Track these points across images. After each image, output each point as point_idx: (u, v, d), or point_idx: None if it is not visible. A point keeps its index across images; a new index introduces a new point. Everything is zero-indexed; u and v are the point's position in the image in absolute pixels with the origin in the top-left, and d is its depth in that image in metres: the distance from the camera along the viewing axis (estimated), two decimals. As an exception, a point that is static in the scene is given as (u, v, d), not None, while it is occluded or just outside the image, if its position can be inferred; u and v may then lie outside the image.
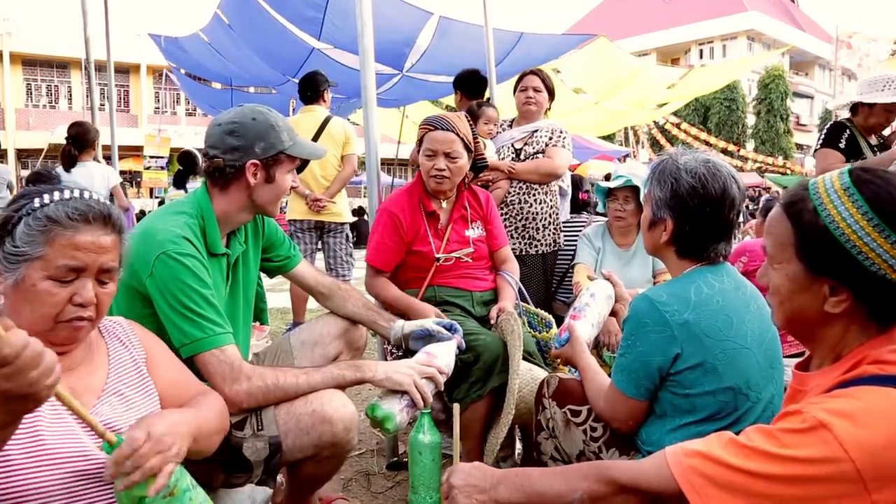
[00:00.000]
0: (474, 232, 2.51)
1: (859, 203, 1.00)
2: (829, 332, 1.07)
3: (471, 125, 2.46)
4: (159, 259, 1.60)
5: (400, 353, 2.19)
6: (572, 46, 7.46)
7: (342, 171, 4.59)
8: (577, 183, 4.15)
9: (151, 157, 22.33)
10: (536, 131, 3.36)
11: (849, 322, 1.05)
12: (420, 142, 2.43)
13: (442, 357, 1.90)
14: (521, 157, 3.34)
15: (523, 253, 3.28)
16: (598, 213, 3.63)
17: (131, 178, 22.75)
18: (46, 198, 1.21)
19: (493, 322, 2.33)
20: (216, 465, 1.57)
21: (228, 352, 1.61)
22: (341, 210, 4.73)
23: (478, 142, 2.49)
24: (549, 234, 3.37)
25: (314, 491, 1.93)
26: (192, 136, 20.69)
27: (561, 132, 3.36)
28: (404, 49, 6.14)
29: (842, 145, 3.27)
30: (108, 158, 6.23)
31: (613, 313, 2.20)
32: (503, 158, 3.34)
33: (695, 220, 1.51)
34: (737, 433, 1.04)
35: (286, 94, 7.86)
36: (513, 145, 3.38)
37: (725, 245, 1.55)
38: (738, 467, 0.97)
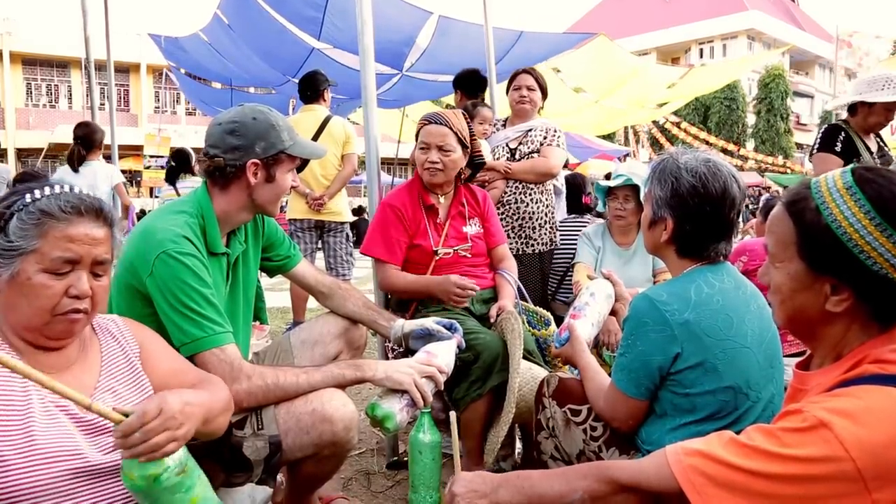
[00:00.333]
0: (472, 228, 2.52)
1: (862, 202, 1.00)
2: (830, 331, 1.07)
3: (468, 123, 2.47)
4: (159, 258, 1.60)
5: (401, 350, 2.19)
6: (572, 45, 7.47)
7: (342, 171, 4.59)
8: (579, 185, 4.15)
9: (151, 156, 22.36)
10: (531, 130, 3.37)
11: (850, 321, 1.05)
12: (416, 137, 2.46)
13: (442, 356, 1.90)
14: (517, 156, 3.35)
15: (520, 252, 3.29)
16: (598, 214, 3.63)
17: (131, 178, 22.75)
18: (38, 193, 1.22)
19: (493, 320, 2.33)
20: (216, 464, 1.57)
21: (228, 351, 1.62)
22: (341, 209, 4.73)
23: (475, 139, 2.50)
24: (545, 233, 3.38)
25: (314, 490, 1.93)
26: (193, 135, 20.68)
27: (555, 131, 3.37)
28: (404, 49, 6.14)
29: (838, 148, 3.27)
30: (108, 158, 6.22)
31: (613, 312, 2.20)
32: (498, 158, 3.35)
33: (695, 219, 1.51)
34: (737, 432, 1.04)
35: (286, 94, 7.86)
36: (507, 145, 3.39)
37: (726, 244, 1.55)
38: (739, 466, 0.97)
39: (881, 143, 3.45)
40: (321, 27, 5.69)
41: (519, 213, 3.32)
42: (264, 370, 1.65)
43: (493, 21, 4.78)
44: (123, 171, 5.60)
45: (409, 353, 2.05)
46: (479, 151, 2.56)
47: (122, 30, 20.87)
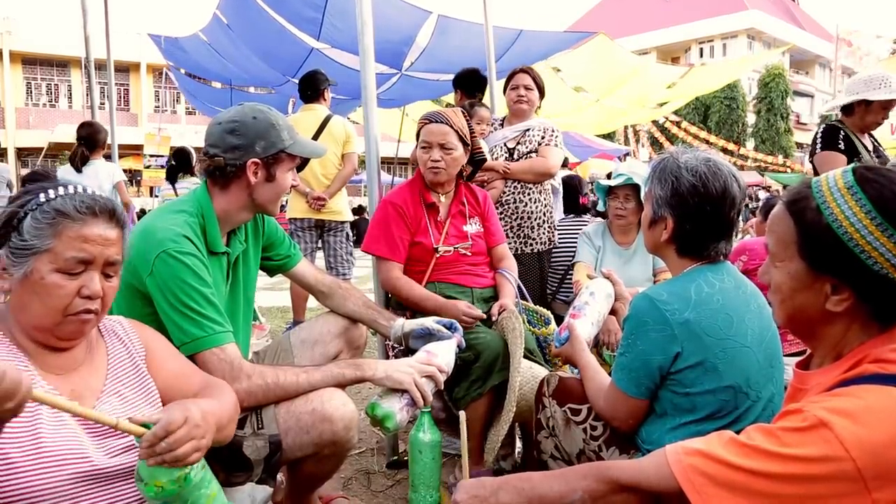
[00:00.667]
0: (472, 227, 2.53)
1: (863, 202, 1.00)
2: (831, 331, 1.07)
3: (468, 121, 2.48)
4: (159, 258, 1.60)
5: (402, 349, 2.19)
6: (571, 44, 7.46)
7: (342, 170, 4.59)
8: (575, 186, 4.15)
9: (151, 155, 22.32)
10: (528, 130, 3.37)
11: (850, 321, 1.05)
12: (417, 136, 2.46)
13: (442, 356, 1.90)
14: (515, 156, 3.35)
15: (519, 252, 3.29)
16: (598, 214, 3.64)
17: (131, 177, 22.73)
18: (52, 193, 1.22)
19: (494, 318, 2.34)
20: (216, 463, 1.57)
21: (228, 350, 1.62)
22: (341, 209, 4.73)
23: (475, 136, 2.51)
24: (544, 233, 3.38)
25: (314, 489, 1.93)
26: (193, 134, 20.69)
27: (553, 131, 3.38)
28: (403, 48, 6.14)
29: (841, 146, 3.27)
30: (108, 157, 6.22)
31: (613, 312, 2.20)
32: (496, 158, 3.35)
33: (695, 218, 1.51)
34: (737, 432, 1.04)
35: (285, 94, 7.85)
36: (505, 145, 3.39)
37: (726, 244, 1.55)
38: (739, 466, 0.97)
39: (876, 143, 3.46)
40: (320, 27, 5.68)
41: (518, 212, 3.32)
42: (264, 369, 1.65)
43: (492, 20, 4.78)
44: (123, 171, 5.59)
45: (410, 352, 2.05)
46: (480, 148, 2.57)
47: (122, 29, 20.86)
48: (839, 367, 1.05)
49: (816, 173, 3.31)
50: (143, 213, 11.36)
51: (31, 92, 27.09)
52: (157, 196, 18.96)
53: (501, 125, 3.51)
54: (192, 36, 6.98)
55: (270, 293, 6.90)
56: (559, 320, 2.40)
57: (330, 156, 4.46)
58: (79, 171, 4.94)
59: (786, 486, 0.93)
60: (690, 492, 1.00)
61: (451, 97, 4.81)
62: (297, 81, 4.80)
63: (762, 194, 20.15)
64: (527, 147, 3.34)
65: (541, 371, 2.17)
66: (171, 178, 5.71)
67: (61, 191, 1.23)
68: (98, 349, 1.35)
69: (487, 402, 2.16)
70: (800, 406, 0.98)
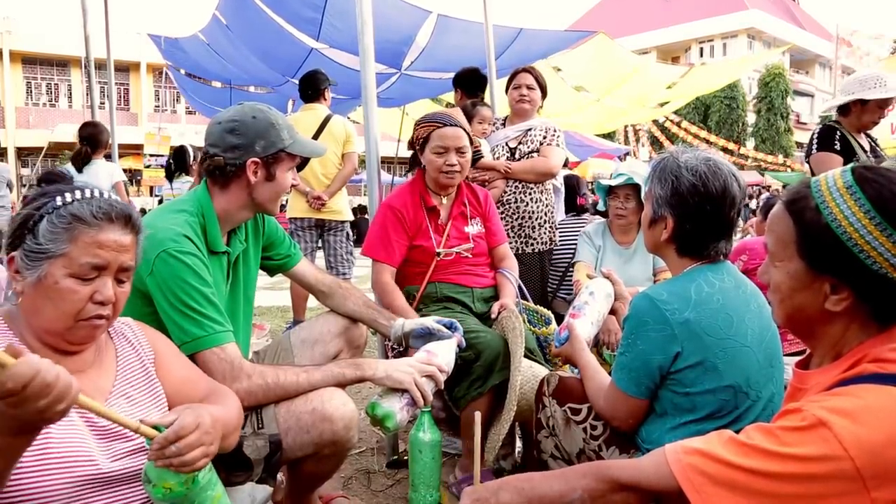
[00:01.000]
0: (473, 228, 2.53)
1: (862, 201, 1.00)
2: (830, 331, 1.07)
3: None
4: (160, 257, 1.60)
5: (401, 349, 2.19)
6: (571, 43, 7.46)
7: (343, 170, 4.59)
8: (574, 186, 4.15)
9: (151, 155, 22.31)
10: (530, 130, 3.37)
11: (849, 320, 1.05)
12: (422, 140, 2.44)
13: (442, 355, 1.90)
14: (516, 156, 3.35)
15: (520, 251, 3.29)
16: (598, 213, 3.64)
17: (131, 177, 22.72)
18: (69, 196, 1.20)
19: (494, 317, 2.34)
20: (216, 463, 1.57)
21: (228, 350, 1.62)
22: (342, 208, 4.73)
23: (472, 135, 2.52)
24: (545, 233, 3.38)
25: (314, 489, 1.93)
26: (193, 134, 20.66)
27: (555, 131, 3.38)
28: (402, 48, 6.14)
29: (837, 147, 3.28)
30: (108, 157, 6.23)
31: (613, 312, 2.21)
32: (498, 158, 3.35)
33: (695, 218, 1.51)
34: (737, 432, 1.04)
35: (284, 94, 7.85)
36: (507, 144, 3.39)
37: (726, 243, 1.55)
38: (738, 465, 0.97)
39: (873, 142, 3.46)
40: (320, 28, 5.68)
41: (519, 212, 3.32)
42: (264, 369, 1.65)
43: (492, 19, 4.78)
44: (123, 171, 5.59)
45: (410, 352, 2.05)
46: (478, 146, 2.58)
47: (122, 29, 20.84)
48: (838, 366, 1.05)
49: (813, 174, 3.31)
50: (143, 212, 11.35)
51: (31, 91, 27.08)
52: (157, 196, 18.99)
53: (503, 124, 3.51)
54: (191, 37, 6.98)
55: (270, 293, 6.90)
56: (560, 318, 2.40)
57: (330, 155, 4.46)
58: (80, 171, 4.94)
59: (785, 485, 0.93)
60: (690, 491, 1.00)
61: (450, 96, 4.80)
62: (296, 82, 4.80)
63: (764, 194, 20.13)
64: (528, 147, 3.34)
65: (541, 370, 2.17)
66: (170, 177, 5.72)
67: (78, 195, 1.21)
68: (107, 351, 1.35)
69: (488, 402, 2.16)
70: (799, 405, 0.98)
